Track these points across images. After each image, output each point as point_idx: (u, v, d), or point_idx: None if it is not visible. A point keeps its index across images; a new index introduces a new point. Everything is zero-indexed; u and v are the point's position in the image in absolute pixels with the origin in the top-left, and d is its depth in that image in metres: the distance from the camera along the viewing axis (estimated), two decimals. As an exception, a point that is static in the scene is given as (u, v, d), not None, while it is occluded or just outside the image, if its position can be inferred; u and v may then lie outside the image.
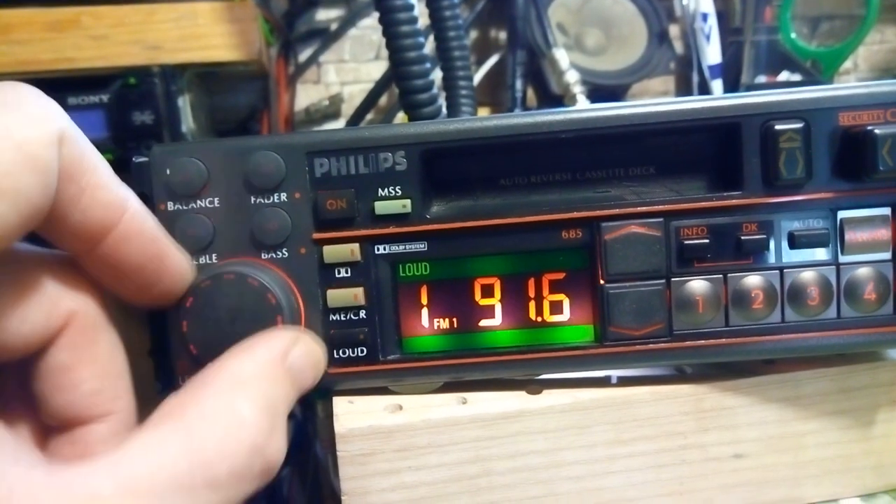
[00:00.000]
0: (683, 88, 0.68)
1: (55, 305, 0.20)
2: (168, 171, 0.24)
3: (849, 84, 0.25)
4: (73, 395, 0.20)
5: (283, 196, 0.25)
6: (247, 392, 0.19)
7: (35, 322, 0.19)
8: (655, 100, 0.26)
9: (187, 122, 0.51)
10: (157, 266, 0.22)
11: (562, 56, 0.57)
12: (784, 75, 0.63)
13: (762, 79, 0.63)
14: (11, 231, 0.17)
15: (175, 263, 0.22)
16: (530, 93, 0.63)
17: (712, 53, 0.63)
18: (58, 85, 0.48)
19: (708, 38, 0.63)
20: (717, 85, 0.63)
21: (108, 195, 0.19)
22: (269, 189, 0.25)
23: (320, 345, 0.24)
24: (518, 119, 0.25)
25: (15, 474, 0.15)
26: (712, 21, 0.62)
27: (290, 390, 0.21)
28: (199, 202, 0.25)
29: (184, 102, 0.50)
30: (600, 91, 0.59)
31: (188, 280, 0.23)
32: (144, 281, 0.22)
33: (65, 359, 0.20)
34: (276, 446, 0.19)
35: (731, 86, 0.64)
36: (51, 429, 0.21)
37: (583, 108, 0.25)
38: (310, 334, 0.24)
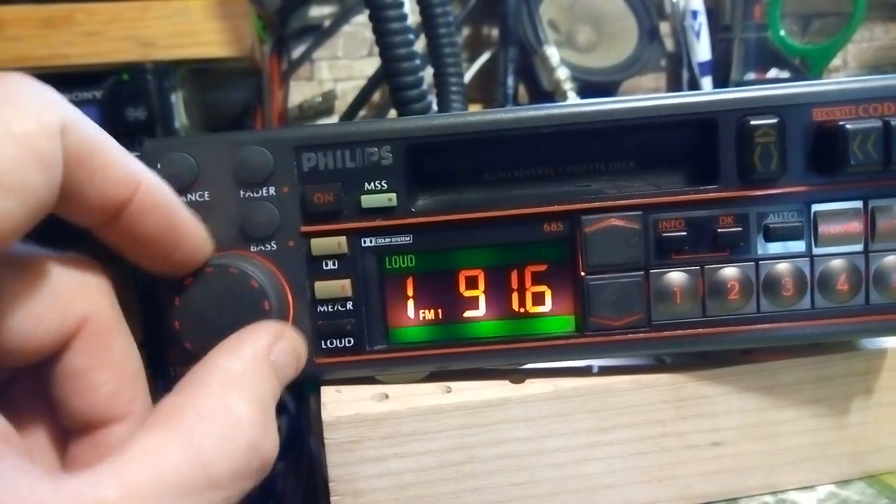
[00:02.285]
0: (674, 85, 0.69)
1: (68, 309, 0.20)
2: (159, 166, 0.25)
3: (822, 80, 0.26)
4: (90, 398, 0.20)
5: (272, 190, 0.25)
6: (239, 391, 0.20)
7: (49, 326, 0.19)
8: (635, 96, 0.26)
9: (180, 119, 0.51)
10: (174, 236, 0.22)
11: (553, 53, 0.58)
12: (773, 72, 0.64)
13: (751, 76, 0.64)
14: (19, 226, 0.17)
15: (191, 233, 0.23)
16: (522, 89, 0.63)
17: (702, 50, 0.63)
18: (51, 81, 0.47)
19: (698, 35, 0.63)
20: (706, 82, 0.64)
21: (119, 172, 0.19)
22: (257, 183, 0.25)
23: (301, 337, 0.24)
24: (501, 114, 0.25)
25: (25, 485, 0.15)
26: (702, 18, 0.63)
27: (276, 385, 0.21)
28: (189, 196, 0.25)
29: (177, 99, 0.51)
30: (591, 88, 0.59)
31: (205, 250, 0.24)
32: (162, 251, 0.22)
33: (81, 363, 0.20)
34: (271, 442, 0.20)
35: (721, 83, 0.64)
36: (71, 431, 0.21)
37: (564, 104, 0.26)
38: (291, 328, 0.24)
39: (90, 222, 0.20)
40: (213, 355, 0.21)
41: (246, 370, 0.21)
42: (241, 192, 0.25)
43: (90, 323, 0.20)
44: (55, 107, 0.18)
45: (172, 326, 0.24)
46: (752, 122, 0.24)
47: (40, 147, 0.17)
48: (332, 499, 0.26)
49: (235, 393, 0.19)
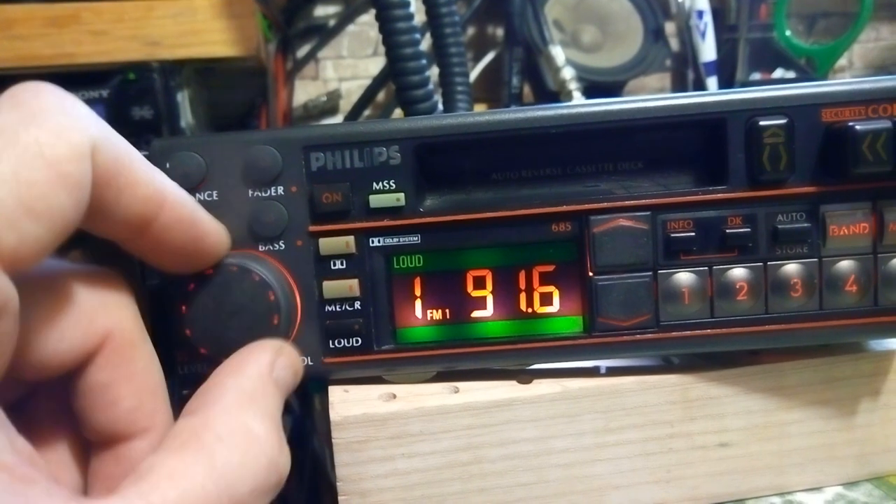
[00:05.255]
0: (679, 85, 0.69)
1: (92, 324, 0.20)
2: (168, 165, 0.25)
3: (831, 81, 0.26)
4: (112, 412, 0.20)
5: (280, 189, 0.25)
6: (254, 410, 0.20)
7: (72, 341, 0.19)
8: (644, 96, 0.26)
9: (186, 118, 0.51)
10: (197, 245, 0.22)
11: (558, 53, 0.58)
12: (779, 73, 0.64)
13: (757, 76, 0.64)
14: (45, 249, 0.17)
15: (213, 240, 0.23)
16: (527, 89, 0.63)
17: (707, 51, 0.63)
18: (58, 80, 0.48)
19: (703, 35, 0.63)
20: (712, 82, 0.64)
21: (145, 190, 0.19)
22: (266, 182, 0.25)
23: (297, 353, 0.24)
24: (509, 114, 0.25)
25: None
26: (708, 18, 0.63)
27: (280, 401, 0.22)
28: (198, 195, 0.25)
29: (183, 98, 0.51)
30: (596, 88, 0.59)
31: (224, 249, 0.24)
32: (185, 258, 0.22)
33: (103, 377, 0.20)
34: (286, 458, 0.20)
35: (727, 83, 0.64)
36: (93, 445, 0.21)
37: (573, 104, 0.26)
38: (288, 344, 0.24)
39: (116, 237, 0.20)
40: (220, 375, 0.21)
41: (255, 388, 0.21)
42: (250, 192, 0.25)
43: (113, 338, 0.20)
44: (86, 126, 0.17)
45: (180, 318, 0.24)
46: (761, 123, 0.24)
47: (70, 171, 0.17)
48: (339, 498, 0.26)
49: (250, 412, 0.20)
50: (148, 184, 0.20)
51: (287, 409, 0.63)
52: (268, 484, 0.19)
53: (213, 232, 0.23)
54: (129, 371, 0.20)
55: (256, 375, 0.21)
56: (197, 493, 0.17)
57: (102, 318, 0.20)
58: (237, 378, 0.21)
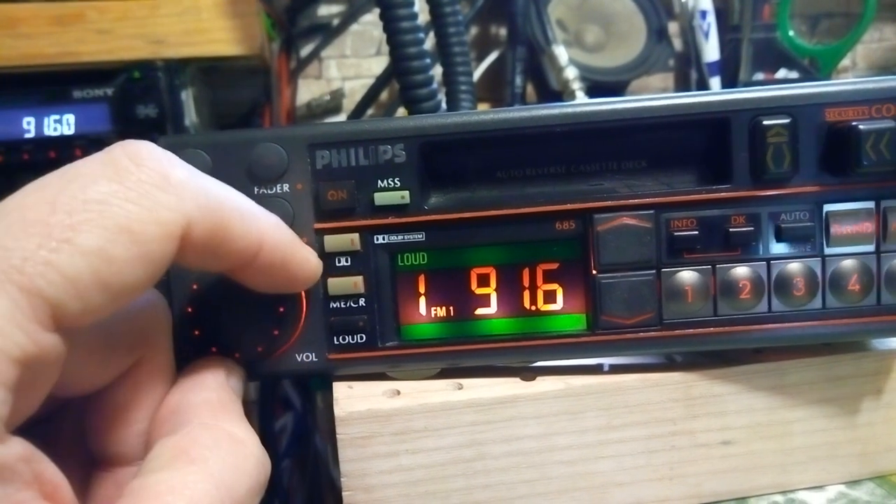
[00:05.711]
0: (682, 85, 0.69)
1: (130, 351, 0.20)
2: (173, 162, 0.25)
3: (835, 80, 0.26)
4: (123, 432, 0.21)
5: (286, 187, 0.26)
6: (229, 417, 0.20)
7: (110, 365, 0.20)
8: (648, 95, 0.26)
9: (190, 116, 0.51)
10: (292, 275, 0.23)
11: (561, 52, 0.58)
12: (782, 73, 0.64)
13: (760, 76, 0.64)
14: (108, 314, 0.17)
15: (306, 273, 0.23)
16: (530, 89, 0.63)
17: (711, 51, 0.63)
18: (63, 78, 0.49)
19: (706, 35, 0.63)
20: (715, 82, 0.64)
21: (241, 243, 0.20)
22: (271, 180, 0.25)
23: (241, 368, 0.25)
24: (514, 113, 0.25)
25: None
26: (711, 18, 0.63)
27: (241, 406, 0.22)
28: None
29: (187, 96, 0.51)
30: (599, 87, 0.59)
31: (317, 276, 0.24)
32: (280, 287, 0.23)
33: (123, 398, 0.20)
34: (267, 456, 0.20)
35: (730, 83, 0.64)
36: (95, 463, 0.21)
37: (577, 103, 0.26)
38: (229, 360, 0.24)
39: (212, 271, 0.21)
40: (181, 393, 0.21)
41: (222, 398, 0.21)
42: (256, 189, 0.25)
43: (144, 363, 0.21)
44: (182, 204, 0.18)
45: (186, 313, 0.24)
46: (765, 122, 0.25)
47: (154, 250, 0.17)
48: (343, 494, 0.26)
49: (227, 419, 0.20)
50: (244, 237, 0.20)
51: (287, 407, 0.64)
52: (259, 482, 0.19)
53: (306, 265, 0.23)
54: (149, 396, 0.21)
55: (219, 386, 0.22)
56: (205, 501, 0.17)
57: (139, 347, 0.21)
58: (202, 392, 0.21)
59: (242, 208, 0.20)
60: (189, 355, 0.24)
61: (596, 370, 0.27)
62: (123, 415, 0.20)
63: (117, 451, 0.21)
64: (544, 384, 0.26)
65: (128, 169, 0.17)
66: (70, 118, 0.48)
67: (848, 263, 0.25)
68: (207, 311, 0.24)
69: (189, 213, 0.18)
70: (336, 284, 0.26)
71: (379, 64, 0.65)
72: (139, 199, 0.17)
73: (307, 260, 0.23)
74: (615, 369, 0.27)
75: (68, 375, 0.18)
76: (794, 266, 0.25)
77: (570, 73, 0.57)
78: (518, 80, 0.61)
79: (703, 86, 0.64)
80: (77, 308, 0.16)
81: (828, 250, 0.25)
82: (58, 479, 0.17)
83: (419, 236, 0.26)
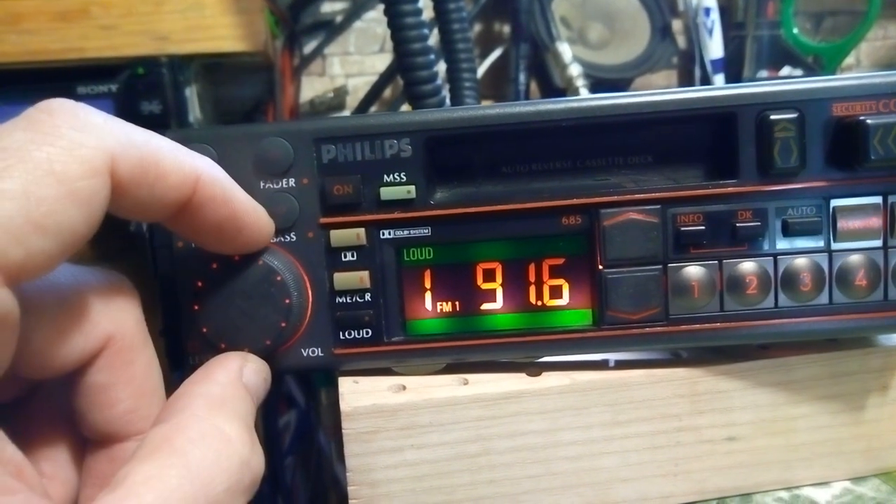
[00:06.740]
0: (686, 83, 0.68)
1: (95, 327, 0.20)
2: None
3: (842, 75, 0.26)
4: (109, 413, 0.21)
5: (292, 181, 0.25)
6: (224, 412, 0.20)
7: (74, 344, 0.20)
8: (654, 90, 0.26)
9: (194, 113, 0.51)
10: (235, 223, 0.22)
11: (565, 50, 0.58)
12: (786, 70, 0.64)
13: (764, 74, 0.64)
14: (54, 261, 0.17)
15: (251, 220, 0.23)
16: (533, 86, 0.63)
17: (714, 48, 0.63)
18: (67, 74, 0.49)
19: (710, 32, 0.63)
20: (718, 80, 0.64)
21: (176, 178, 0.20)
22: (277, 174, 0.25)
23: (263, 362, 0.25)
24: (520, 108, 0.25)
25: None
26: (715, 16, 0.63)
27: (251, 405, 0.22)
28: (209, 187, 0.25)
29: (191, 93, 0.51)
30: (603, 85, 0.59)
31: (268, 231, 0.24)
32: (225, 236, 0.22)
33: (102, 379, 0.20)
34: (258, 458, 0.20)
35: (733, 80, 0.64)
36: (90, 442, 0.21)
37: (583, 98, 0.26)
38: (252, 355, 0.24)
39: (150, 219, 0.21)
40: (189, 385, 0.21)
41: (224, 393, 0.21)
42: (261, 184, 0.25)
43: (115, 341, 0.20)
44: (100, 141, 0.17)
45: (192, 308, 0.24)
46: (772, 117, 0.24)
47: (81, 187, 0.17)
48: (349, 489, 0.26)
49: (221, 414, 0.20)
50: (177, 171, 0.20)
51: (291, 404, 0.64)
52: (242, 484, 0.19)
53: (251, 212, 0.23)
54: (128, 374, 0.21)
55: (226, 381, 0.22)
56: (175, 494, 0.17)
57: (106, 321, 0.20)
58: (206, 385, 0.21)
59: (171, 144, 0.20)
60: (199, 353, 0.24)
61: (601, 366, 0.27)
62: (104, 396, 0.20)
63: (107, 431, 0.21)
64: (550, 380, 0.26)
65: (40, 119, 0.17)
66: (74, 114, 0.48)
67: (855, 258, 0.25)
68: (213, 308, 0.24)
69: (111, 149, 0.18)
70: (342, 279, 0.26)
71: (382, 61, 0.65)
72: (56, 141, 0.17)
73: (249, 203, 0.23)
74: (621, 365, 0.27)
75: (33, 354, 0.18)
76: (801, 261, 0.25)
77: (574, 70, 0.57)
78: (522, 78, 0.60)
79: (706, 83, 0.64)
80: (19, 254, 0.16)
81: (835, 245, 0.25)
82: (18, 458, 0.17)
83: (425, 231, 0.26)
